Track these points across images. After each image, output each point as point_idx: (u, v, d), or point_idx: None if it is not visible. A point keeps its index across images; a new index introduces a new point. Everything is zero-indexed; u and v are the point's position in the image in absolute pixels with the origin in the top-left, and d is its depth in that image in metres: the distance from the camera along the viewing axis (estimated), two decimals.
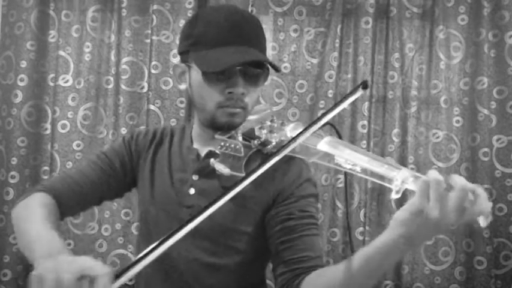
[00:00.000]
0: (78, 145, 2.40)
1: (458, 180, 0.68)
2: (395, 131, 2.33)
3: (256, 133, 0.99)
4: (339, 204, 2.34)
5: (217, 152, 0.99)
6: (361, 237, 2.31)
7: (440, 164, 2.33)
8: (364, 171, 0.78)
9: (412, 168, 2.32)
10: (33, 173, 2.37)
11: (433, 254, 2.32)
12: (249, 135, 1.00)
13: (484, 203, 0.69)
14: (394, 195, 0.73)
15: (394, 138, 2.33)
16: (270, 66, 1.07)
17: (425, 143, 2.35)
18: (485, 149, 2.26)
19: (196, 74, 1.05)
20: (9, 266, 2.32)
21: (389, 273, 2.31)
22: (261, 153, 1.00)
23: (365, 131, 2.32)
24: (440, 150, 2.34)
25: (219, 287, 1.09)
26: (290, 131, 0.95)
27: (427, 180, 0.69)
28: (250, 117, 1.05)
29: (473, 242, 2.26)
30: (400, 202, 0.74)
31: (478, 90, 2.29)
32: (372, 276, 0.83)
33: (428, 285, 2.31)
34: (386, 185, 0.74)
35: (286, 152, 0.82)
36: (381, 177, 0.76)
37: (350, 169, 0.80)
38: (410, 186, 0.72)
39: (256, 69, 1.04)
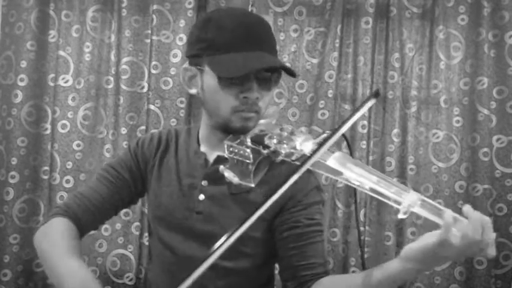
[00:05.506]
0: (78, 145, 2.40)
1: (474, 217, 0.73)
2: (395, 131, 2.33)
3: (266, 142, 0.98)
4: (339, 204, 2.34)
5: (226, 157, 0.99)
6: (361, 237, 2.30)
7: (440, 164, 2.33)
8: (372, 190, 0.81)
9: (411, 169, 2.32)
10: (33, 173, 2.37)
11: None
12: (257, 140, 1.00)
13: (490, 233, 0.73)
14: (401, 216, 0.76)
15: (394, 138, 2.33)
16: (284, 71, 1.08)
17: (425, 143, 2.35)
18: (485, 149, 2.26)
19: (210, 78, 1.05)
20: (9, 266, 2.32)
21: None
22: (269, 161, 1.00)
23: (365, 131, 2.32)
24: (440, 150, 2.34)
25: None
26: (300, 143, 0.95)
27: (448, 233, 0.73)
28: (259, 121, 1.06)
29: None
30: None
31: (478, 90, 2.29)
32: None
33: (428, 285, 2.31)
34: (394, 205, 0.76)
35: (306, 167, 0.84)
36: (389, 198, 0.79)
37: (358, 186, 0.83)
38: (417, 210, 0.74)
39: (269, 74, 1.05)
